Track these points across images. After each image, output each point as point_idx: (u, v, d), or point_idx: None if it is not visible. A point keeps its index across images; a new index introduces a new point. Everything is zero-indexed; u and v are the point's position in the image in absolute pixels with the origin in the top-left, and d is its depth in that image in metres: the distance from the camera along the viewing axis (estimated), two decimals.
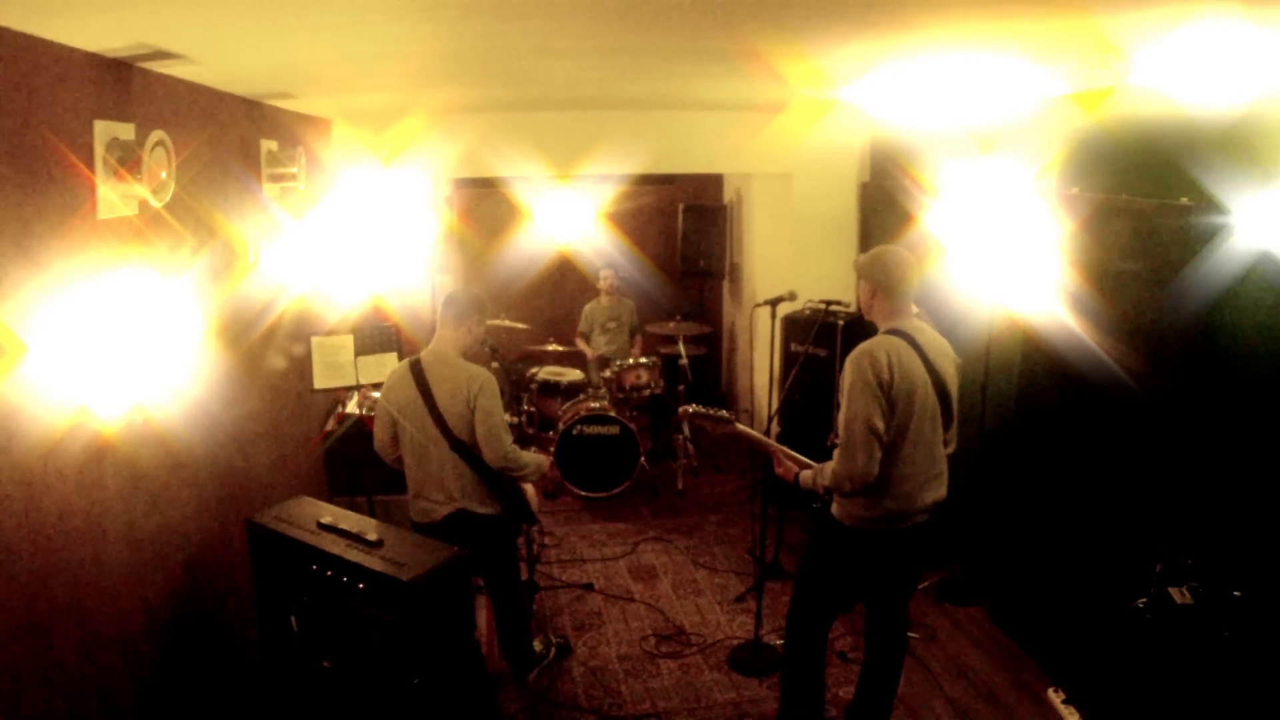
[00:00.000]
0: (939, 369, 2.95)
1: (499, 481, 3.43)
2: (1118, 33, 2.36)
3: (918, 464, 2.95)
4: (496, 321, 6.50)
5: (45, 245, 2.12)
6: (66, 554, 2.22)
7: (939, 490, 3.05)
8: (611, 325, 6.85)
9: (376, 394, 3.56)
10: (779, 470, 3.28)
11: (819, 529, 3.18)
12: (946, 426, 3.05)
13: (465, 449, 3.33)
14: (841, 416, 2.89)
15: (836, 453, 2.92)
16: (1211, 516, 2.96)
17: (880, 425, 2.81)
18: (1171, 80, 3.03)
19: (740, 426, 3.41)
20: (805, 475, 3.13)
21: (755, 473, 5.74)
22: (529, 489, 3.68)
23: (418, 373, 3.35)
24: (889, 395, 2.82)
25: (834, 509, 3.08)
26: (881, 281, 3.01)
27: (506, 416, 3.56)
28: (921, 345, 2.93)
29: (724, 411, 3.45)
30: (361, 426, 4.30)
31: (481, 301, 3.49)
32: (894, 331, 2.95)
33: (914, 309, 3.05)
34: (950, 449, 3.11)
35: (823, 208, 6.02)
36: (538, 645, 4.06)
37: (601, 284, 6.81)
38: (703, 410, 3.48)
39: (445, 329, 3.41)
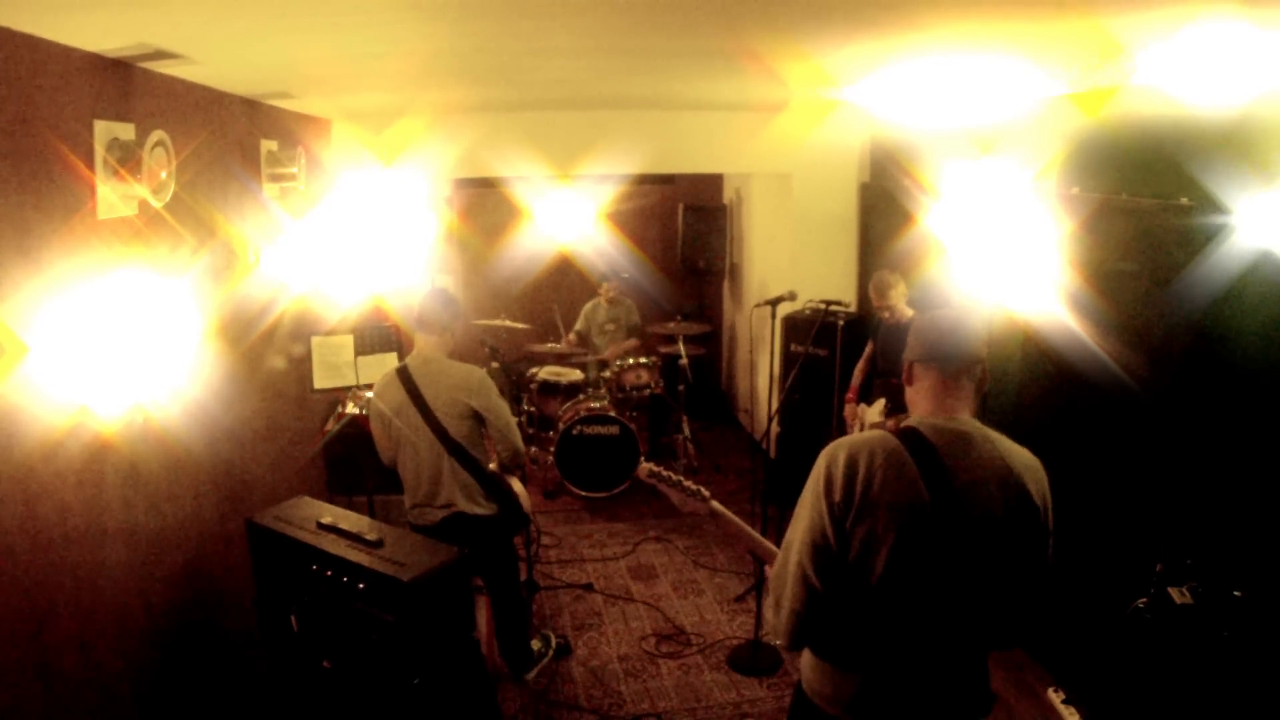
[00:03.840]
0: (986, 498, 1.87)
1: (493, 482, 3.46)
2: (1119, 33, 2.36)
3: (921, 630, 1.85)
4: (496, 321, 6.51)
5: (45, 245, 2.12)
6: (66, 554, 2.22)
7: (971, 687, 1.93)
8: (610, 327, 6.86)
9: (370, 394, 3.57)
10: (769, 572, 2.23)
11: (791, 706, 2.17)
12: (1005, 583, 1.92)
13: (461, 451, 3.35)
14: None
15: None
16: (1211, 516, 2.96)
17: (813, 571, 1.83)
18: (1172, 80, 3.03)
19: (718, 506, 2.34)
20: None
21: (756, 473, 5.74)
22: (520, 490, 3.69)
23: (406, 379, 3.36)
24: (849, 522, 1.81)
25: (802, 674, 2.06)
26: (917, 347, 2.03)
27: None
28: (948, 460, 1.85)
29: (695, 484, 2.39)
30: (361, 426, 4.30)
31: (459, 302, 3.56)
32: (906, 430, 1.91)
33: (968, 404, 2.04)
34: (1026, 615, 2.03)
35: (823, 208, 6.03)
36: (536, 644, 4.07)
37: (604, 294, 6.82)
38: (667, 474, 2.39)
39: (430, 335, 3.42)
